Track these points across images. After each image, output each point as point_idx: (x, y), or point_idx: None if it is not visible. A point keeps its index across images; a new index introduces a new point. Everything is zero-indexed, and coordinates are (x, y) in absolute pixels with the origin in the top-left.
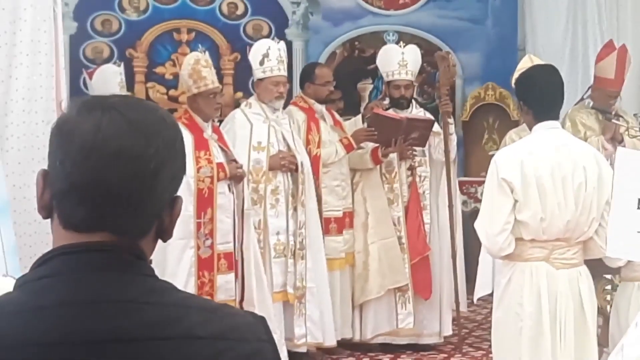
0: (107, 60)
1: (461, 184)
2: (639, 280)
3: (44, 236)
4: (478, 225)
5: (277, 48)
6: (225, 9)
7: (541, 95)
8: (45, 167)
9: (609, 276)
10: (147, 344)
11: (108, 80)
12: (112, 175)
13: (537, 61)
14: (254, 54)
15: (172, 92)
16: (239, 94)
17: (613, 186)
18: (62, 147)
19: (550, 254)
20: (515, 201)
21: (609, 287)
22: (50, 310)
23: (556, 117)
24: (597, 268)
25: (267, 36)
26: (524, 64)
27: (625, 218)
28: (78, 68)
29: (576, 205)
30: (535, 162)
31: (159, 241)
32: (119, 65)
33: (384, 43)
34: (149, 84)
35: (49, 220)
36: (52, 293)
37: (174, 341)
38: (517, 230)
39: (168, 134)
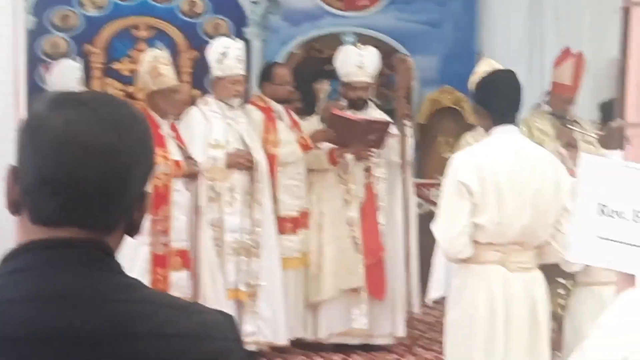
0: (65, 56)
1: (416, 186)
2: (594, 284)
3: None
4: (436, 228)
5: (236, 47)
6: (185, 7)
7: (501, 100)
8: (6, 161)
9: (562, 280)
10: (115, 341)
11: (66, 75)
12: (83, 170)
13: (496, 65)
14: (213, 52)
15: (130, 88)
16: (197, 92)
17: (576, 191)
18: (32, 142)
19: (506, 257)
20: (473, 204)
21: (562, 291)
22: (19, 305)
23: (514, 122)
24: (551, 272)
25: (226, 35)
26: (482, 68)
27: (587, 223)
28: (35, 63)
29: (533, 209)
30: (494, 166)
31: None
32: (77, 62)
33: (342, 44)
34: (106, 80)
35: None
36: (21, 288)
37: (142, 338)
38: (474, 233)
39: (139, 129)
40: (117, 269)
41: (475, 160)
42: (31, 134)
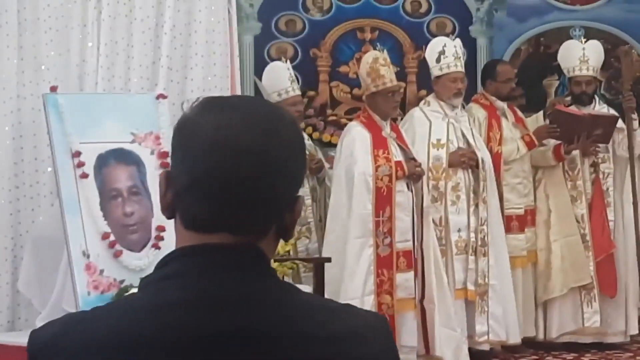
0: (292, 61)
1: None
2: None
3: None
4: None
5: (453, 45)
6: (408, 7)
7: None
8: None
9: None
10: (270, 342)
11: (278, 76)
12: (234, 172)
13: None
14: (430, 51)
15: (356, 91)
16: (423, 92)
17: None
18: (183, 147)
19: None
20: None
21: None
22: (173, 310)
23: None
24: None
25: (452, 33)
26: None
27: None
28: (264, 68)
29: None
30: None
31: (336, 240)
32: (285, 62)
33: (570, 38)
34: (333, 83)
35: None
36: (174, 293)
37: (299, 340)
38: None
39: (288, 132)
40: (270, 272)
41: None
42: (182, 139)
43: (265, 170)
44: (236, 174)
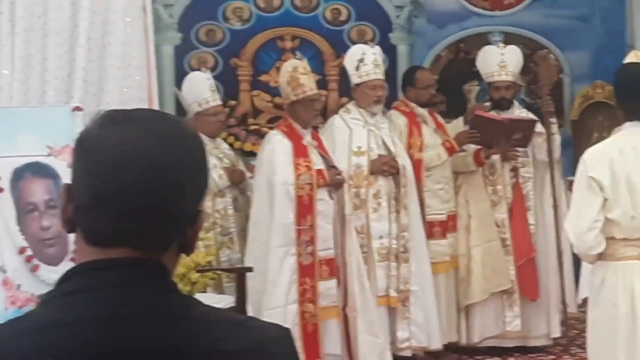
0: (212, 70)
1: (571, 183)
2: None
3: None
4: (567, 224)
5: (372, 52)
6: (328, 15)
7: (631, 94)
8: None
9: None
10: (173, 359)
11: (199, 86)
12: (136, 187)
13: None
14: (349, 59)
15: (277, 99)
16: (344, 100)
17: None
18: (85, 161)
19: None
20: (605, 199)
21: None
22: (75, 327)
23: None
24: None
25: (372, 41)
26: (630, 60)
27: None
28: (184, 78)
29: None
30: (625, 160)
31: (258, 249)
32: (205, 72)
33: (490, 44)
34: (254, 92)
35: None
36: (76, 309)
37: (200, 356)
38: (609, 230)
39: (192, 147)
40: (171, 287)
41: (606, 155)
42: (84, 153)
43: (168, 186)
44: (139, 189)
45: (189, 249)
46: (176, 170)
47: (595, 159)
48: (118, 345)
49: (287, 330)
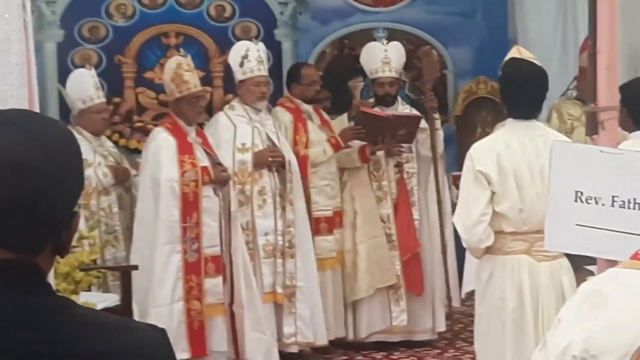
0: (96, 68)
1: (455, 178)
2: None
3: None
4: (455, 218)
5: (256, 49)
6: (213, 11)
7: (519, 100)
8: None
9: (591, 267)
10: None
11: (83, 83)
12: (9, 190)
13: (525, 53)
14: (233, 56)
15: (162, 96)
16: (229, 96)
17: (550, 179)
18: None
19: (531, 246)
20: (493, 193)
21: (588, 278)
22: None
23: (529, 115)
24: (578, 260)
25: (256, 37)
26: (512, 55)
27: (563, 211)
28: (67, 75)
29: None
30: (512, 154)
31: (143, 247)
32: (90, 69)
33: (374, 40)
34: (139, 89)
35: None
36: None
37: (77, 358)
38: (498, 223)
39: (67, 148)
40: (47, 289)
41: (493, 150)
42: None
43: (44, 189)
44: (14, 192)
45: (64, 251)
46: (52, 174)
47: (482, 153)
48: None
49: (162, 331)
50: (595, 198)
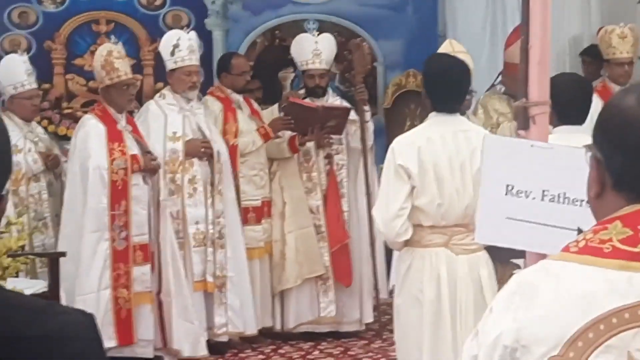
0: (26, 53)
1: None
2: None
3: None
4: (375, 211)
5: (187, 38)
6: None
7: (442, 91)
8: None
9: (518, 261)
10: None
11: (15, 69)
12: None
13: (458, 47)
14: (165, 45)
15: (92, 83)
16: (160, 85)
17: (482, 172)
18: None
19: (450, 239)
20: (413, 187)
21: (517, 271)
22: None
23: (451, 108)
24: (504, 253)
25: (187, 26)
26: (444, 49)
27: (494, 204)
28: None
29: (474, 190)
30: (433, 148)
31: (71, 234)
32: (22, 54)
33: (305, 31)
34: (68, 76)
35: None
36: None
37: (2, 341)
38: (416, 217)
39: None
40: None
41: (414, 144)
42: None
43: None
44: None
45: None
46: None
47: (403, 147)
48: None
49: (90, 315)
50: (525, 192)
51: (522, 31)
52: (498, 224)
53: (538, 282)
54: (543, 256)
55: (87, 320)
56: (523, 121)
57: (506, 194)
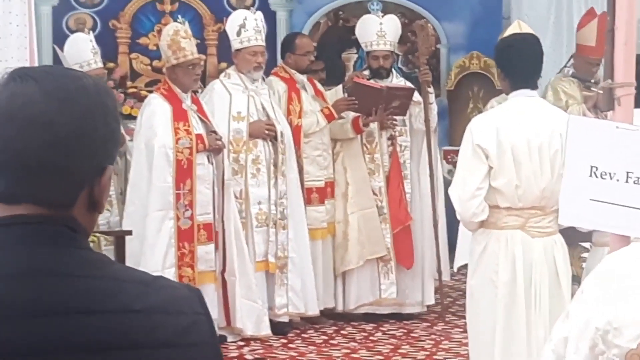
0: (91, 32)
1: (446, 153)
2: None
3: None
4: (452, 190)
5: (253, 18)
6: None
7: (518, 64)
8: None
9: (585, 244)
10: (81, 318)
11: (81, 48)
12: (26, 143)
13: (526, 28)
14: (231, 24)
15: (155, 62)
16: (223, 65)
17: (565, 154)
18: None
19: (526, 222)
20: (490, 168)
21: (585, 254)
22: None
23: (533, 86)
24: (573, 236)
25: (251, 6)
26: (512, 30)
27: (578, 186)
28: (62, 39)
29: (552, 173)
30: (511, 130)
31: (136, 213)
32: (88, 33)
33: (368, 12)
34: (133, 55)
35: None
36: None
37: (110, 315)
38: (493, 198)
39: (86, 102)
40: (80, 244)
41: (492, 124)
42: None
43: (56, 140)
44: (28, 144)
45: (96, 206)
46: (64, 125)
47: (482, 127)
48: (21, 303)
49: (197, 290)
50: (609, 173)
51: (608, 13)
52: (582, 205)
53: (629, 265)
54: (626, 238)
55: (194, 295)
56: (608, 102)
57: (590, 176)
